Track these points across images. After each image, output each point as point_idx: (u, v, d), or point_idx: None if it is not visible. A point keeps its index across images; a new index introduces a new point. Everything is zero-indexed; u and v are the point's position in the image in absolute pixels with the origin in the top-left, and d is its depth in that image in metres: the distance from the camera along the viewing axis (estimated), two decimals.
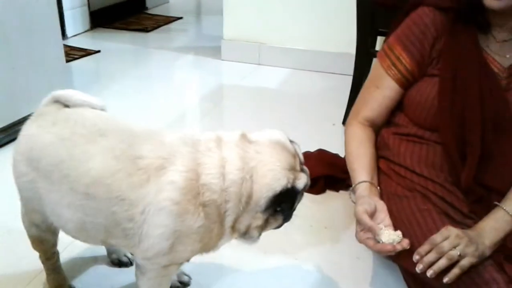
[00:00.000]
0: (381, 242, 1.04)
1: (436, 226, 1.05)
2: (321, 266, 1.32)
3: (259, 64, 2.97)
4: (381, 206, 1.11)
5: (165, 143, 0.94)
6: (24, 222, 1.10)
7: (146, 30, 3.67)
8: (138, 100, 2.45)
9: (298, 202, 1.00)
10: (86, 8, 3.54)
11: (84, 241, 1.07)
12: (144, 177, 0.90)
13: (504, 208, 1.05)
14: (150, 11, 4.23)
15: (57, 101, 1.02)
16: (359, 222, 1.07)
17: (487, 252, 1.00)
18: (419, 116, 1.18)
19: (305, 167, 1.00)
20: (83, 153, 0.93)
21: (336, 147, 1.73)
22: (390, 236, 1.04)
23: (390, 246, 1.03)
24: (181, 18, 4.08)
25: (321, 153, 1.77)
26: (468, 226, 1.06)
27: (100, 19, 3.67)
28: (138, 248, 0.95)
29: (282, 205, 0.93)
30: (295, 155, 0.97)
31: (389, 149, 1.24)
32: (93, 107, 1.03)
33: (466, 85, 1.10)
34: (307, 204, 1.55)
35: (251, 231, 0.95)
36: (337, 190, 1.65)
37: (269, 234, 1.27)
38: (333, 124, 2.14)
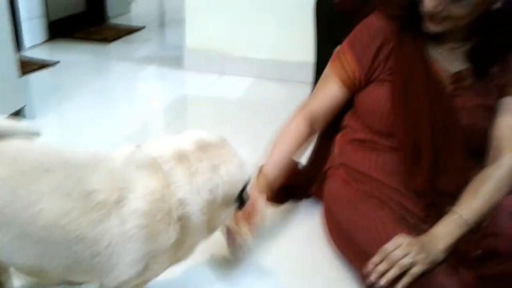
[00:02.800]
0: None
1: (393, 231, 1.07)
2: (289, 279, 1.32)
3: (223, 74, 2.96)
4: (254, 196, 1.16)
5: (117, 170, 0.91)
6: None
7: (107, 40, 3.60)
8: (98, 112, 2.39)
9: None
10: (44, 18, 3.45)
11: (42, 281, 1.03)
12: (103, 212, 0.86)
13: (457, 212, 1.07)
14: (112, 21, 4.17)
15: None
16: None
17: (440, 257, 1.02)
18: (373, 121, 1.20)
19: None
20: (30, 194, 0.84)
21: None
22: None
23: None
24: (143, 27, 4.03)
25: None
26: (424, 230, 1.08)
27: (59, 30, 3.58)
28: (108, 277, 0.92)
29: (244, 194, 1.03)
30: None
31: (347, 156, 1.26)
32: (26, 134, 0.93)
33: (415, 91, 1.14)
34: (269, 215, 1.56)
35: (222, 223, 1.04)
36: (299, 199, 1.65)
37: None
38: None
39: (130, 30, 3.92)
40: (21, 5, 3.18)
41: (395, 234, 1.06)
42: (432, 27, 1.13)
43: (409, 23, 1.19)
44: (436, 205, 1.12)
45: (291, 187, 1.64)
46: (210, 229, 1.01)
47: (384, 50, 1.21)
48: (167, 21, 4.55)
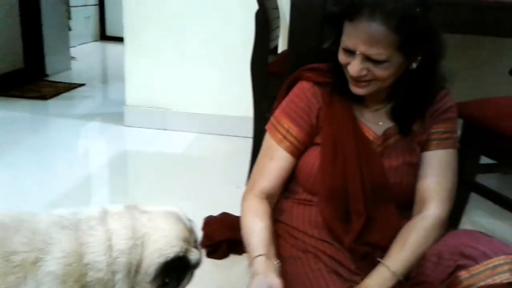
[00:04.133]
0: None
1: (325, 285, 1.09)
2: None
3: (164, 129, 2.97)
4: (277, 285, 1.04)
5: (39, 231, 0.88)
6: None
7: (45, 97, 3.53)
8: (32, 171, 2.31)
9: (188, 281, 0.97)
10: None
11: None
12: (20, 275, 0.83)
13: (386, 265, 1.10)
14: (51, 78, 4.11)
15: None
16: None
17: None
18: (306, 183, 1.23)
19: (199, 247, 1.00)
20: None
21: (240, 210, 1.74)
22: None
23: None
24: (83, 84, 4.00)
25: (225, 216, 1.78)
26: (356, 283, 1.10)
27: None
28: None
29: (171, 275, 0.90)
30: (191, 230, 0.97)
31: (284, 213, 1.28)
32: None
33: (345, 154, 1.18)
34: (210, 270, 1.54)
35: None
36: (240, 253, 1.65)
37: None
38: (237, 187, 2.16)
39: (69, 87, 3.87)
40: None
41: (329, 287, 1.08)
42: (358, 90, 1.14)
43: (336, 88, 1.22)
44: (368, 258, 1.15)
45: (233, 240, 1.64)
46: None
47: (321, 116, 1.23)
48: (109, 78, 4.56)
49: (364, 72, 1.08)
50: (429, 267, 1.08)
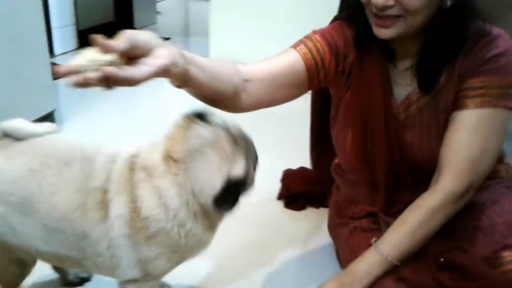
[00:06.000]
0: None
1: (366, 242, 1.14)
2: (301, 282, 1.35)
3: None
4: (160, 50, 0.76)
5: (114, 170, 0.92)
6: None
7: None
8: (125, 117, 2.48)
9: (250, 184, 0.96)
10: (74, 26, 3.58)
11: (67, 268, 1.08)
12: (103, 212, 0.89)
13: (377, 248, 1.04)
14: None
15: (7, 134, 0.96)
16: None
17: None
18: (343, 161, 1.26)
19: (246, 155, 0.93)
20: (51, 186, 0.89)
21: None
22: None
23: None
24: (169, 38, 4.14)
25: (303, 170, 1.81)
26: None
27: (88, 38, 3.69)
28: (114, 275, 0.96)
29: (230, 196, 0.89)
30: (228, 141, 0.92)
31: (339, 190, 1.35)
32: (40, 134, 0.98)
33: (373, 129, 1.10)
34: (287, 220, 1.59)
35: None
36: (317, 206, 1.68)
37: (250, 248, 1.29)
38: None
39: None
40: (53, 14, 3.31)
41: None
42: (382, 32, 0.97)
43: (360, 38, 1.06)
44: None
45: (310, 194, 1.68)
46: (207, 229, 0.94)
47: (349, 58, 1.09)
48: (192, 33, 4.66)
49: (390, 2, 0.92)
50: (479, 238, 0.99)
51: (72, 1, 3.48)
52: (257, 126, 2.45)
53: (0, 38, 1.85)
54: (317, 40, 1.08)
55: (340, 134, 1.20)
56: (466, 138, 0.99)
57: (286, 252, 1.45)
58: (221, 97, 0.95)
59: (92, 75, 0.68)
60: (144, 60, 0.72)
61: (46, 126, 1.00)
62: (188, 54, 0.83)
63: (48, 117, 2.19)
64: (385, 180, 1.13)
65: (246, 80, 0.99)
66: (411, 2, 0.91)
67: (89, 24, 3.74)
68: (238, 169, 0.89)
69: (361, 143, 1.12)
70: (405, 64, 1.07)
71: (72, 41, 3.59)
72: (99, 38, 0.70)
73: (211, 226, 0.96)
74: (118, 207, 0.89)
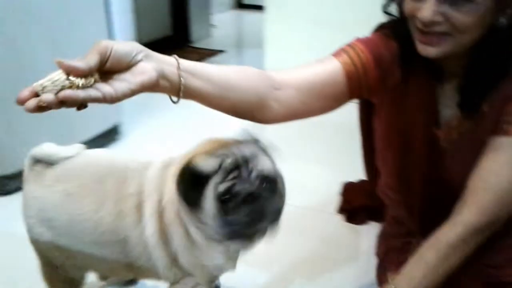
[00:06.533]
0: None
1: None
2: None
3: None
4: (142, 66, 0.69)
5: (147, 176, 0.96)
6: (49, 279, 1.10)
7: None
8: (183, 130, 2.53)
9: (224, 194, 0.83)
10: (135, 41, 3.71)
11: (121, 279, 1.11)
12: (138, 215, 0.92)
13: (394, 284, 0.96)
14: (194, 45, 4.40)
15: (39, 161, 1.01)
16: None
17: None
18: (383, 175, 1.20)
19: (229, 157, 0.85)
20: (91, 204, 0.94)
21: None
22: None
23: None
24: (223, 51, 4.22)
25: (363, 183, 1.77)
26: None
27: None
28: (159, 278, 0.99)
29: (190, 185, 0.83)
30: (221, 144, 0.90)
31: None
32: (71, 157, 1.02)
33: (413, 157, 1.03)
34: (347, 234, 1.56)
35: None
36: (379, 221, 1.64)
37: (311, 261, 1.27)
38: None
39: (211, 53, 4.12)
40: (116, 29, 3.46)
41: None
42: (427, 50, 0.88)
43: (408, 49, 0.94)
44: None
45: (370, 207, 1.64)
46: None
47: (392, 76, 0.99)
48: (246, 44, 4.72)
49: (439, 18, 0.83)
50: None
51: (133, 17, 3.63)
52: (312, 136, 2.45)
53: (67, 52, 1.95)
54: (360, 49, 0.98)
55: (381, 150, 1.16)
56: (497, 168, 0.89)
57: (349, 267, 1.42)
58: (243, 108, 0.86)
59: (48, 97, 0.60)
60: (122, 76, 0.66)
61: (74, 148, 1.04)
62: (191, 65, 0.77)
63: (113, 130, 2.28)
64: (421, 202, 1.08)
65: (277, 89, 0.89)
66: (462, 19, 0.82)
67: (148, 38, 3.88)
68: (205, 163, 0.82)
69: (400, 163, 1.07)
70: (452, 83, 0.98)
71: None
72: (61, 60, 0.63)
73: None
74: (150, 207, 0.91)
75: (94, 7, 2.07)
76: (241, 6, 6.92)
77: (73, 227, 0.95)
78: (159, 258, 0.93)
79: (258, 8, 5.86)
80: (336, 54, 0.99)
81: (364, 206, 1.63)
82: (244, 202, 0.81)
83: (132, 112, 2.69)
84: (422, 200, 1.07)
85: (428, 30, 0.85)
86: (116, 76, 0.65)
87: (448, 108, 0.98)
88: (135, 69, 0.67)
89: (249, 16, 6.11)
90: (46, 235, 0.98)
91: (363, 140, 1.41)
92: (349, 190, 1.71)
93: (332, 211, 1.68)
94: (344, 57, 0.97)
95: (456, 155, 0.98)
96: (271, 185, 0.85)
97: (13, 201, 1.55)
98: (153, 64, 0.70)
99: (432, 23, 0.84)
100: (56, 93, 0.61)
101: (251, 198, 0.82)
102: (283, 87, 0.89)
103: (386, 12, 0.99)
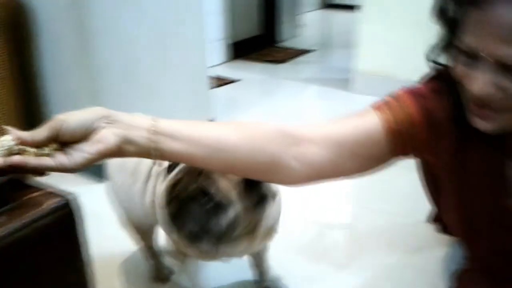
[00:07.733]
0: None
1: None
2: None
3: None
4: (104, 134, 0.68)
5: (154, 170, 1.17)
6: (130, 227, 1.29)
7: (277, 61, 3.85)
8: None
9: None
10: (225, 40, 3.84)
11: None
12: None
13: None
14: (282, 44, 4.44)
15: None
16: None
17: None
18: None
19: None
20: (138, 192, 1.17)
21: None
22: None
23: None
24: (310, 51, 4.20)
25: None
26: None
27: (237, 51, 3.96)
28: None
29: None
30: None
31: None
32: None
33: (479, 226, 0.89)
34: (438, 245, 1.48)
35: None
36: None
37: (401, 271, 1.23)
38: None
39: (298, 53, 4.12)
40: (207, 28, 3.59)
41: None
42: (480, 124, 0.75)
43: (462, 113, 0.78)
44: None
45: None
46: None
47: (444, 141, 0.84)
48: (335, 44, 4.66)
49: (492, 91, 0.69)
50: None
51: (223, 17, 3.73)
52: None
53: (167, 52, 2.06)
54: (406, 103, 0.83)
55: (443, 211, 1.03)
56: None
57: (441, 279, 1.36)
58: (250, 169, 0.79)
59: None
60: (80, 145, 0.67)
61: None
62: (173, 126, 0.73)
63: None
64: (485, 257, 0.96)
65: (297, 144, 0.79)
66: None
67: (238, 38, 3.98)
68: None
69: (465, 233, 0.94)
70: None
71: (222, 54, 3.84)
72: (12, 129, 0.65)
73: None
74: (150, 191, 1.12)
75: (193, 7, 2.17)
76: (327, 6, 6.85)
77: (132, 204, 1.19)
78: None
79: (346, 7, 5.77)
80: (376, 107, 0.84)
81: None
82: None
83: (224, 108, 2.78)
84: (487, 257, 0.96)
85: (481, 104, 0.73)
86: (75, 146, 0.67)
87: None
88: (94, 137, 0.67)
89: (339, 15, 6.02)
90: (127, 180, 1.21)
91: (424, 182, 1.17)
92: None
93: (421, 219, 1.61)
94: (386, 112, 0.82)
95: None
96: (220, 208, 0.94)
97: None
98: (116, 130, 0.68)
99: (485, 97, 0.71)
100: (5, 155, 0.64)
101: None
102: (304, 143, 0.79)
103: (433, 61, 0.85)
